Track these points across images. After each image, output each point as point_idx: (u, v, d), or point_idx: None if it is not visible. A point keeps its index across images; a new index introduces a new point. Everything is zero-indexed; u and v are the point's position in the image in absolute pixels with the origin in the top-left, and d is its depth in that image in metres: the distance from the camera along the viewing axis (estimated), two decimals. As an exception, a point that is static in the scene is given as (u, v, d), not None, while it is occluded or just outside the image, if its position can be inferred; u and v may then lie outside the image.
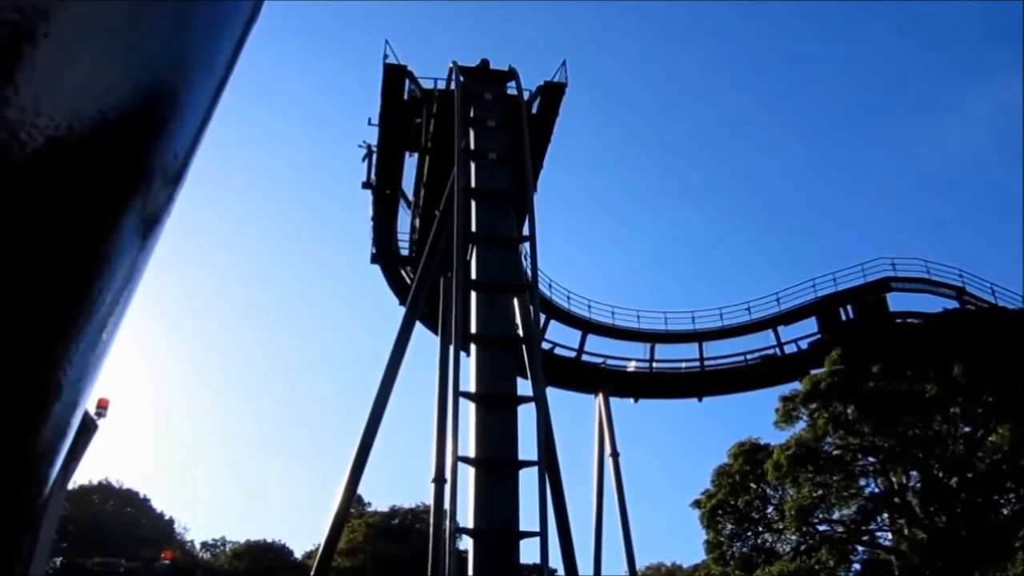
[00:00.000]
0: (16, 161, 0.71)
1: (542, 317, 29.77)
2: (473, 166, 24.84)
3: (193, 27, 0.89)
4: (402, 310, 27.51)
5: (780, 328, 37.22)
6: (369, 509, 60.27)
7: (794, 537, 33.55)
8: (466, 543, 21.07)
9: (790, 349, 36.95)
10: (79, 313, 0.84)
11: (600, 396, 36.32)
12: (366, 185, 31.98)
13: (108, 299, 0.88)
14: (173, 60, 0.87)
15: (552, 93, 27.59)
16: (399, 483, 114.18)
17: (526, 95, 26.79)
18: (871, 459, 32.03)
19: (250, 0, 1.02)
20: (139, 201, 0.88)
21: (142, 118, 0.84)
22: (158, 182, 0.91)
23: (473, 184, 24.44)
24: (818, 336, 36.24)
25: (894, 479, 32.02)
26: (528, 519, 19.96)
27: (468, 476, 20.35)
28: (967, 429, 31.05)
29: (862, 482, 32.76)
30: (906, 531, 31.84)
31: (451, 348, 22.51)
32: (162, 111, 0.87)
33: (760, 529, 34.83)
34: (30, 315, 0.78)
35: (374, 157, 31.12)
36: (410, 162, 30.86)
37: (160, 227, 0.98)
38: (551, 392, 24.58)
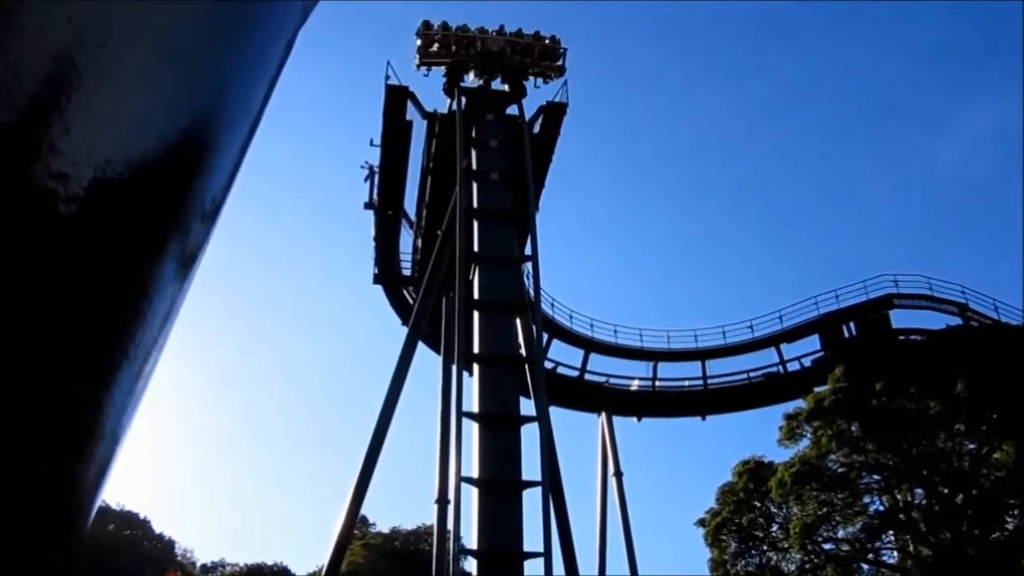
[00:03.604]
0: (66, 208, 0.73)
1: (544, 336, 29.72)
2: (475, 186, 24.93)
3: (235, 73, 0.91)
4: (405, 330, 27.50)
5: (783, 346, 37.15)
6: (373, 530, 59.94)
7: (799, 555, 33.37)
8: (470, 564, 21.01)
9: (793, 367, 36.85)
10: (121, 355, 0.85)
11: (603, 415, 36.22)
12: (368, 205, 32.06)
13: (148, 339, 0.90)
14: (216, 104, 0.89)
15: (553, 113, 27.69)
16: (402, 504, 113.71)
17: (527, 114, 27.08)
18: (875, 476, 31.90)
19: (285, 39, 1.05)
20: (179, 243, 0.90)
21: (185, 162, 0.87)
22: (196, 223, 0.93)
23: (475, 204, 24.52)
24: (821, 353, 36.15)
25: (899, 496, 31.88)
26: (532, 539, 19.91)
27: (472, 496, 20.32)
28: (971, 446, 30.93)
29: (867, 499, 32.59)
30: (911, 548, 31.67)
31: (454, 368, 22.51)
32: (204, 154, 0.89)
33: (765, 548, 34.64)
34: (75, 358, 0.80)
35: (376, 178, 31.20)
36: (412, 182, 30.96)
37: (196, 265, 1.00)
38: (554, 411, 24.51)
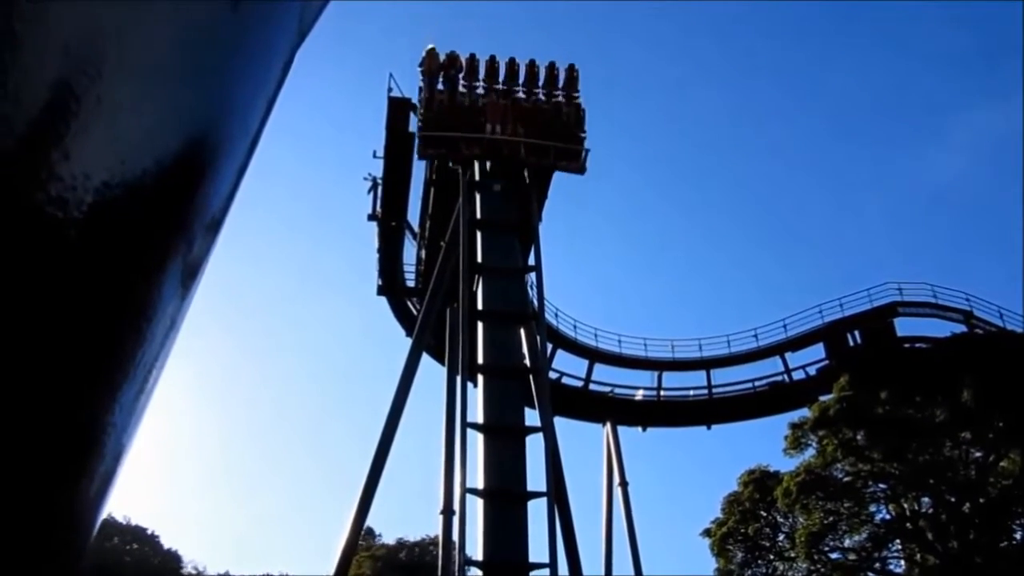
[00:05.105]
0: (66, 232, 0.74)
1: (549, 346, 29.67)
2: (478, 197, 24.96)
3: (232, 91, 0.92)
4: (409, 341, 27.52)
5: (788, 354, 37.05)
6: (379, 541, 59.79)
7: (805, 565, 33.27)
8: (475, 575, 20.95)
9: (798, 375, 36.75)
10: (122, 373, 0.87)
11: (608, 425, 36.13)
12: (372, 217, 32.08)
13: (149, 356, 0.91)
14: (214, 127, 0.91)
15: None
16: (407, 515, 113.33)
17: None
18: (881, 485, 31.81)
19: (282, 60, 1.06)
20: (178, 263, 0.92)
21: (183, 184, 0.88)
22: (198, 239, 0.95)
23: (478, 215, 24.55)
24: (826, 362, 36.06)
25: (905, 505, 31.78)
26: (537, 550, 19.86)
27: (477, 507, 20.28)
28: (978, 454, 30.84)
29: (873, 508, 32.52)
30: (918, 557, 31.56)
31: (458, 379, 22.50)
32: (202, 175, 0.91)
33: (771, 557, 34.56)
34: (76, 378, 0.81)
35: (379, 190, 31.22)
36: (415, 194, 30.98)
37: (198, 280, 1.01)
38: (558, 422, 24.47)
